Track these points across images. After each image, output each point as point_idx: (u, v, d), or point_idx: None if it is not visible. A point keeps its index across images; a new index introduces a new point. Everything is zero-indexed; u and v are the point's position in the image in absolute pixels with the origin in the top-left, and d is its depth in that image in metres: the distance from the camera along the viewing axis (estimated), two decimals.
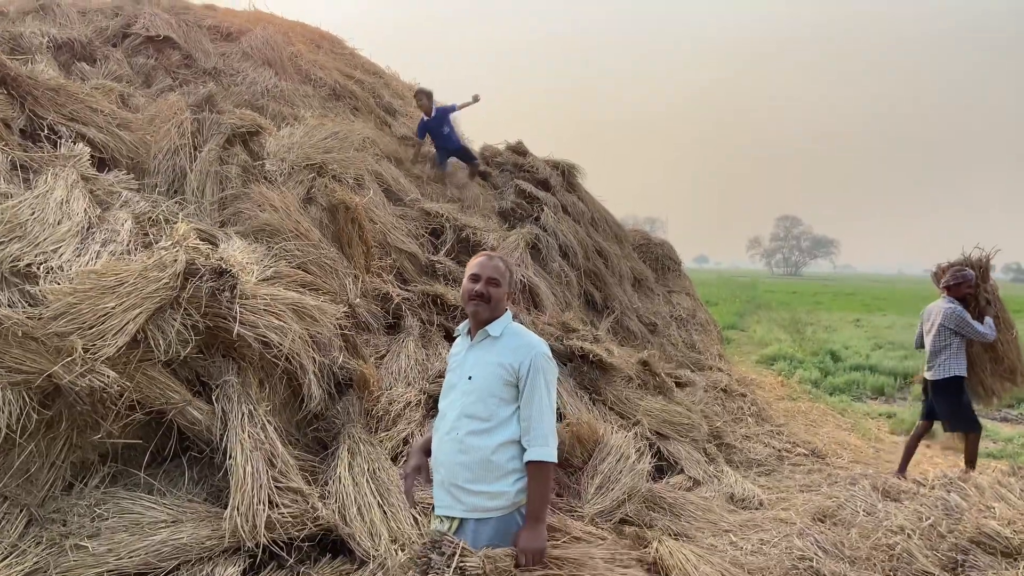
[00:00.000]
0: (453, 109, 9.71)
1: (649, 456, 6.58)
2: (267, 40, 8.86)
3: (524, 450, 3.06)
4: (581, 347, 7.21)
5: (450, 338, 6.82)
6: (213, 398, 4.29)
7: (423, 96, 9.61)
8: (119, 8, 8.39)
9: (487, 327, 3.21)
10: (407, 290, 6.77)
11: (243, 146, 6.13)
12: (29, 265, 4.03)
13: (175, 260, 4.29)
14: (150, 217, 4.88)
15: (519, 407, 3.10)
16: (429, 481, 3.24)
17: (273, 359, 4.55)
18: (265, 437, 4.22)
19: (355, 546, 3.97)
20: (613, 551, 4.24)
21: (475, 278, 3.21)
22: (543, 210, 9.48)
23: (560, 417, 6.52)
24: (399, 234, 7.17)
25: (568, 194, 10.47)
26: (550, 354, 3.22)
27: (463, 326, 3.35)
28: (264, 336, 4.32)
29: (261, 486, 3.97)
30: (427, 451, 3.28)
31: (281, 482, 4.08)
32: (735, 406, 9.32)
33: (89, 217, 4.54)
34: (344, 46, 11.96)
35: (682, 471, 7.13)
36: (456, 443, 3.09)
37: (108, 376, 3.70)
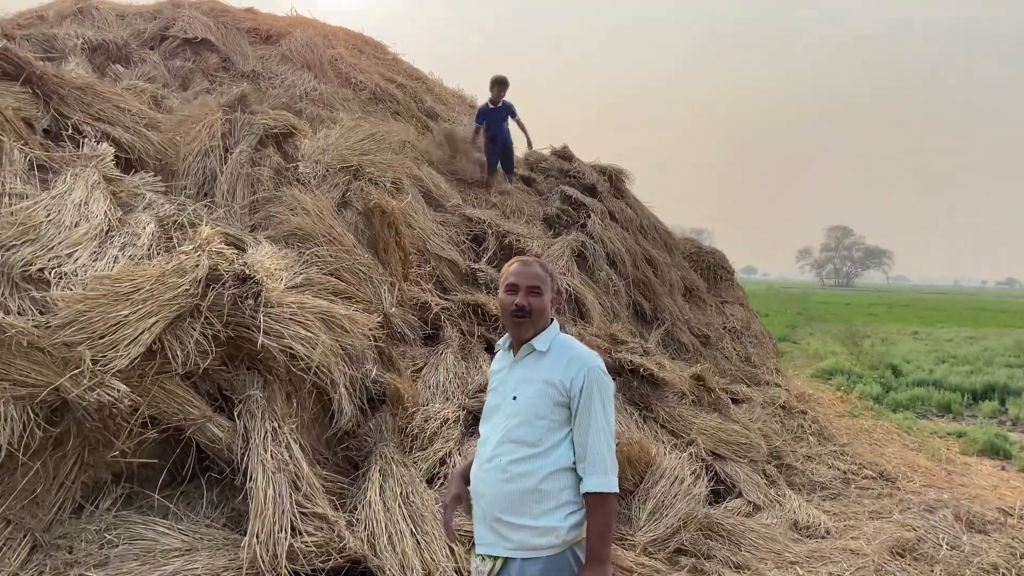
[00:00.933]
0: (515, 113, 9.50)
1: (705, 478, 6.12)
2: (307, 43, 8.65)
3: (579, 479, 2.68)
4: (631, 361, 6.77)
5: (492, 350, 6.45)
6: (235, 414, 3.97)
7: (498, 84, 9.38)
8: (158, 12, 8.26)
9: (532, 341, 2.83)
10: (447, 299, 6.42)
11: (276, 148, 5.85)
12: (41, 270, 3.77)
13: (196, 265, 4.00)
14: (175, 220, 4.60)
15: (572, 430, 2.72)
16: (470, 512, 2.86)
17: (301, 372, 4.23)
18: (290, 457, 3.89)
19: None
20: None
21: (513, 288, 2.83)
22: (589, 216, 9.07)
23: None
24: (439, 240, 6.83)
25: (616, 200, 10.04)
26: (605, 368, 2.83)
27: (504, 340, 2.97)
28: (290, 347, 4.00)
29: (283, 511, 3.63)
30: (467, 478, 2.90)
31: (306, 507, 3.74)
32: (795, 424, 8.76)
33: (109, 220, 4.28)
34: (386, 51, 11.73)
35: (741, 495, 6.64)
36: (499, 471, 2.71)
37: (119, 390, 3.41)
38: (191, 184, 5.39)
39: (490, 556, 2.70)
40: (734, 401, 7.95)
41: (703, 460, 6.45)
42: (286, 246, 5.11)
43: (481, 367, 5.78)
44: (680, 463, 5.91)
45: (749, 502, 6.52)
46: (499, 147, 9.39)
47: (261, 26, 8.89)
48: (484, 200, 8.65)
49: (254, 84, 7.75)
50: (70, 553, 3.39)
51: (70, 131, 4.87)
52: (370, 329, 4.50)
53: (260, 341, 3.90)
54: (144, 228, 4.33)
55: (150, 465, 3.89)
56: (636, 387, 6.80)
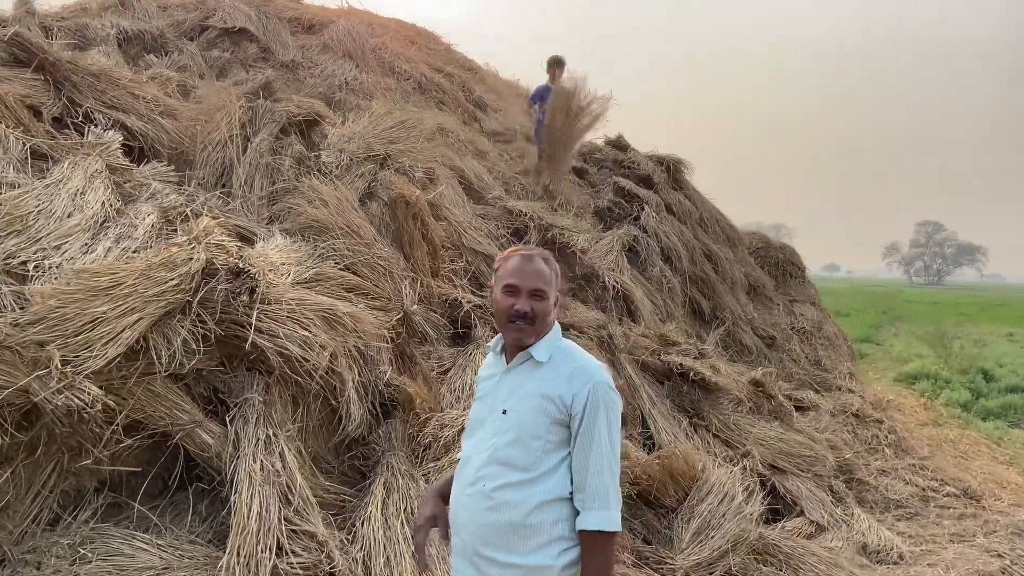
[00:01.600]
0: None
1: (761, 495, 5.56)
2: (349, 31, 8.40)
3: (575, 512, 2.29)
4: (680, 364, 6.25)
5: None
6: (228, 419, 3.68)
7: (554, 64, 8.97)
8: (200, 2, 8.14)
9: (531, 349, 2.41)
10: (481, 296, 6.03)
11: (300, 136, 5.58)
12: (24, 263, 3.54)
13: (190, 259, 3.72)
14: (181, 212, 4.34)
15: (571, 454, 2.33)
16: (447, 535, 2.46)
17: (306, 373, 3.91)
18: (283, 468, 3.56)
19: None
20: None
21: (512, 290, 2.42)
22: (643, 209, 8.54)
23: (653, 445, 5.60)
24: (476, 234, 6.45)
25: (674, 192, 9.48)
26: (612, 383, 2.39)
27: (495, 341, 2.56)
28: (285, 348, 3.68)
29: (269, 528, 3.31)
30: (446, 496, 2.51)
31: (296, 524, 3.40)
32: (869, 434, 8.05)
33: (107, 210, 4.04)
34: (439, 42, 11.45)
35: (802, 513, 6.05)
36: (482, 498, 2.31)
37: (90, 393, 3.13)
38: (208, 174, 5.16)
39: None
40: (799, 409, 7.32)
41: (759, 474, 5.89)
42: (301, 239, 4.81)
43: None
44: (731, 477, 5.37)
45: (811, 521, 5.93)
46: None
47: (303, 15, 8.70)
48: (532, 192, 8.23)
49: (292, 73, 7.52)
50: (38, 569, 3.13)
51: (80, 119, 4.69)
52: (384, 327, 4.14)
53: (250, 340, 3.58)
54: (144, 219, 4.08)
55: (136, 473, 3.63)
56: (686, 392, 6.28)
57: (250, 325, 3.64)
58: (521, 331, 2.38)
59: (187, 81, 6.03)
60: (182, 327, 3.55)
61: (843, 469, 6.97)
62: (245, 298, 3.68)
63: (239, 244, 4.15)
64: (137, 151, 4.90)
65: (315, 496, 3.81)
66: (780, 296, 10.81)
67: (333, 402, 4.20)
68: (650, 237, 8.29)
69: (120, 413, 3.42)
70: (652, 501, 4.98)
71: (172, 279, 3.61)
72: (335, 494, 3.91)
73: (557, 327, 2.52)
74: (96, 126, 4.65)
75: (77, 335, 3.24)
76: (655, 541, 4.84)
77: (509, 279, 2.43)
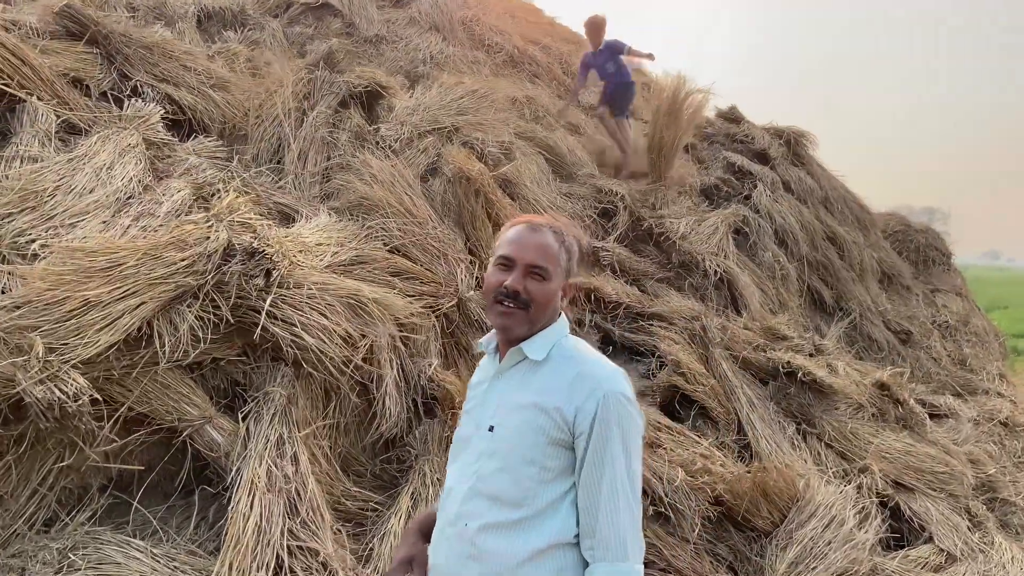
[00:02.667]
0: (624, 49, 7.94)
1: (879, 518, 4.73)
2: (436, 4, 7.98)
3: (583, 562, 1.78)
4: (788, 362, 5.44)
5: (608, 342, 5.43)
6: (242, 415, 3.32)
7: (591, 28, 7.97)
8: None
9: (522, 345, 1.87)
10: None
11: (361, 109, 5.19)
12: (33, 241, 3.30)
13: (206, 238, 3.38)
14: (218, 189, 4.04)
15: (576, 485, 1.79)
16: None
17: (336, 365, 3.50)
18: (294, 473, 3.16)
19: None
20: None
21: (505, 263, 1.88)
22: (755, 187, 7.67)
23: (750, 456, 4.87)
24: (557, 215, 5.87)
25: (793, 168, 8.51)
26: (631, 394, 1.82)
27: (488, 338, 2.03)
28: (300, 337, 3.27)
29: (269, 542, 2.91)
30: (428, 532, 2.01)
31: (300, 538, 2.99)
32: (1020, 446, 6.89)
33: (134, 186, 3.77)
34: (542, 16, 10.88)
35: (931, 539, 5.14)
36: (463, 542, 1.80)
37: (74, 384, 2.83)
38: (264, 150, 4.86)
39: None
40: (934, 416, 6.31)
41: (879, 493, 5.04)
42: (350, 218, 4.42)
43: None
44: (841, 498, 4.58)
45: (941, 550, 5.03)
46: (610, 93, 8.02)
47: None
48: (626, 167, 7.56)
49: (375, 48, 7.18)
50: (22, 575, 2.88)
51: (128, 92, 4.48)
52: (413, 314, 3.67)
53: (259, 328, 3.20)
54: (173, 196, 3.78)
55: (147, 472, 3.34)
56: (794, 395, 5.47)
57: (264, 311, 3.25)
58: (509, 315, 1.84)
59: (257, 56, 5.77)
60: (190, 312, 3.21)
61: (985, 487, 5.94)
62: (260, 281, 3.31)
63: (268, 223, 3.80)
64: (186, 125, 4.66)
65: (337, 504, 3.41)
66: (919, 285, 9.59)
67: (371, 396, 3.79)
68: (762, 218, 7.42)
69: (123, 406, 3.15)
70: (741, 522, 4.29)
71: (184, 260, 3.28)
72: (363, 501, 3.48)
73: (563, 322, 1.95)
74: (135, 98, 4.42)
75: (67, 320, 2.95)
76: (743, 571, 4.15)
77: (504, 249, 1.89)
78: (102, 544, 3.01)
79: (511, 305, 1.83)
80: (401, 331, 3.82)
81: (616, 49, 7.98)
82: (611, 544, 1.71)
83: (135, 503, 3.18)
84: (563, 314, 1.95)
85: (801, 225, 7.70)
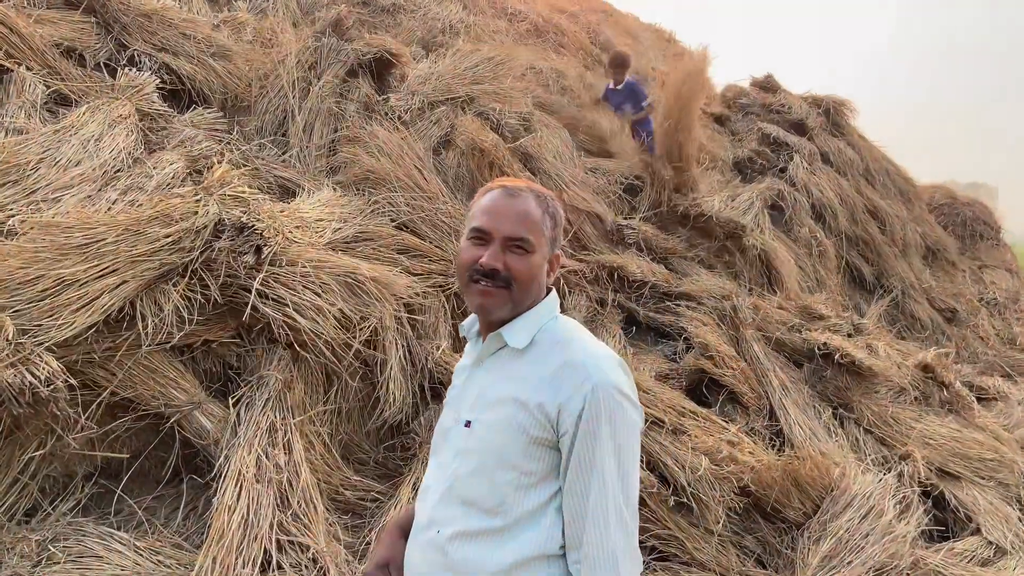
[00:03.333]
0: (640, 98, 7.00)
1: (921, 509, 4.42)
2: None
3: None
4: (824, 343, 5.12)
5: (632, 322, 5.15)
6: (231, 399, 3.13)
7: (614, 65, 7.13)
8: None
9: (502, 330, 1.63)
10: (583, 259, 5.20)
11: (372, 79, 4.95)
12: (12, 216, 3.14)
13: (194, 213, 3.18)
14: (215, 162, 3.84)
15: (561, 490, 1.55)
16: None
17: (336, 348, 3.31)
18: (286, 462, 2.97)
19: None
20: None
21: (480, 237, 1.64)
22: (792, 159, 7.29)
23: (783, 442, 4.58)
24: (580, 190, 5.60)
25: (832, 138, 8.09)
26: (627, 386, 1.56)
27: (470, 322, 1.79)
28: (292, 318, 3.07)
29: (256, 536, 2.73)
30: (407, 532, 1.79)
31: (291, 532, 2.80)
32: None
33: (123, 159, 3.59)
34: None
35: (977, 531, 4.82)
36: (436, 550, 1.58)
37: (48, 368, 2.66)
38: (268, 122, 4.66)
39: None
40: (982, 399, 5.94)
41: (921, 482, 4.72)
42: (356, 192, 4.20)
43: (607, 344, 4.52)
44: (880, 487, 4.28)
45: (989, 543, 4.71)
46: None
47: None
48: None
49: (392, 18, 6.93)
50: None
51: (124, 62, 4.30)
52: (410, 293, 3.45)
53: (248, 308, 3.00)
54: (165, 169, 3.60)
55: (136, 459, 3.18)
56: (830, 377, 5.15)
57: (254, 290, 3.05)
58: (488, 296, 1.59)
59: (265, 26, 5.56)
60: (175, 291, 3.02)
61: None
62: (250, 259, 3.10)
63: (264, 197, 3.59)
64: (186, 97, 4.47)
65: (335, 493, 3.22)
66: (966, 261, 9.13)
67: (375, 380, 3.59)
68: (798, 191, 7.05)
69: (105, 391, 2.98)
70: (771, 513, 4.02)
71: (169, 236, 3.09)
72: (363, 491, 3.29)
73: (552, 299, 1.70)
74: (130, 68, 4.24)
75: (40, 300, 2.77)
76: (772, 565, 3.89)
77: (477, 220, 1.64)
78: (84, 536, 2.86)
79: (489, 285, 1.58)
80: (407, 311, 3.60)
81: (636, 95, 7.13)
82: (599, 560, 1.47)
83: (121, 492, 3.02)
84: (551, 291, 1.71)
85: (840, 198, 7.31)
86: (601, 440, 1.49)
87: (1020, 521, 4.95)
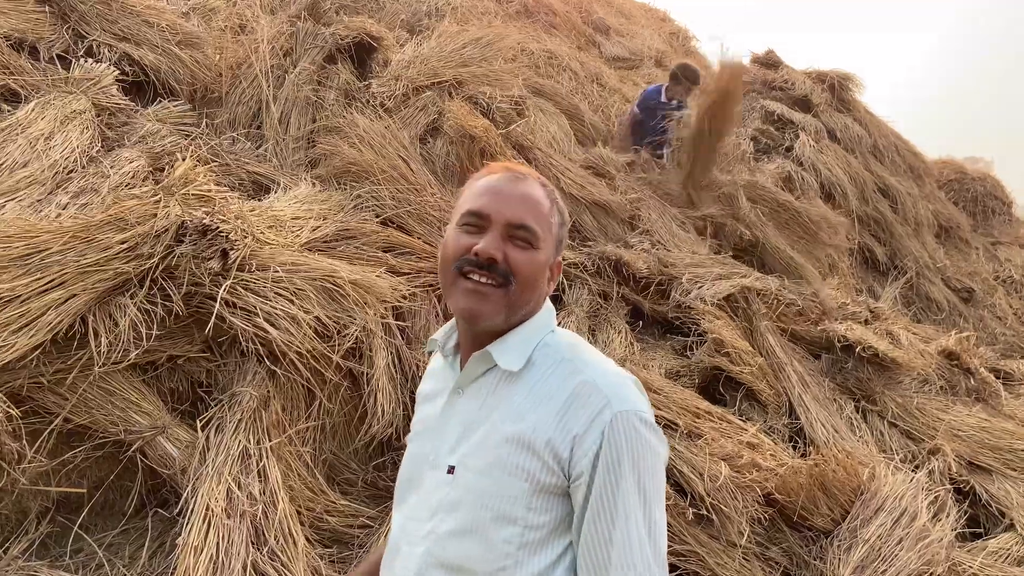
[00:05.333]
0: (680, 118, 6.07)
1: (955, 510, 4.12)
2: None
3: None
4: (843, 335, 4.81)
5: (638, 315, 4.83)
6: (199, 423, 2.82)
7: (676, 78, 6.24)
8: None
9: (490, 348, 1.32)
10: (584, 251, 4.88)
11: (353, 64, 4.61)
12: None
13: (154, 215, 2.86)
14: (181, 159, 3.50)
15: (572, 546, 1.27)
16: None
17: (318, 361, 2.99)
18: (261, 491, 2.66)
19: None
20: None
21: (476, 223, 1.34)
22: (797, 137, 6.96)
23: (804, 441, 4.27)
24: (578, 177, 5.27)
25: (838, 115, 7.76)
26: (648, 412, 1.26)
27: (443, 333, 1.46)
28: (263, 329, 2.75)
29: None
30: None
31: (266, 572, 2.49)
32: None
33: (78, 158, 3.26)
34: None
35: (1012, 527, 4.53)
36: None
37: None
38: (242, 113, 4.32)
39: None
40: (1006, 383, 5.63)
41: (951, 478, 4.43)
42: (337, 187, 3.87)
43: (611, 343, 4.21)
44: (911, 488, 3.98)
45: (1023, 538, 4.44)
46: (647, 137, 6.40)
47: None
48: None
49: (375, 2, 6.57)
50: None
51: (81, 53, 3.96)
52: (400, 295, 3.13)
53: (212, 320, 2.68)
54: (123, 168, 3.26)
55: (101, 492, 2.86)
56: (851, 369, 4.85)
57: (219, 299, 2.73)
58: (480, 296, 1.28)
59: (237, 11, 5.20)
60: (133, 303, 2.70)
61: None
62: (215, 264, 2.78)
63: (233, 195, 3.26)
64: (151, 89, 4.13)
65: (318, 521, 2.91)
66: (979, 238, 8.81)
67: (360, 392, 3.28)
68: (806, 171, 6.73)
69: (57, 418, 2.66)
70: (797, 521, 3.72)
71: (123, 242, 2.77)
72: (350, 517, 2.97)
73: (548, 313, 1.39)
74: (99, 61, 3.90)
75: None
76: None
77: (473, 203, 1.35)
78: None
79: (484, 280, 1.26)
80: (394, 315, 3.28)
81: (676, 114, 6.22)
82: None
83: (80, 531, 2.70)
84: (547, 301, 1.39)
85: (849, 177, 6.99)
86: (625, 483, 1.19)
87: None
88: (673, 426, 3.70)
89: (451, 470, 1.28)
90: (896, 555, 3.62)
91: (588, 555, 1.21)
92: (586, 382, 1.24)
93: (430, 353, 1.49)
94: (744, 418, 4.19)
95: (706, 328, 4.33)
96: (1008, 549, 4.33)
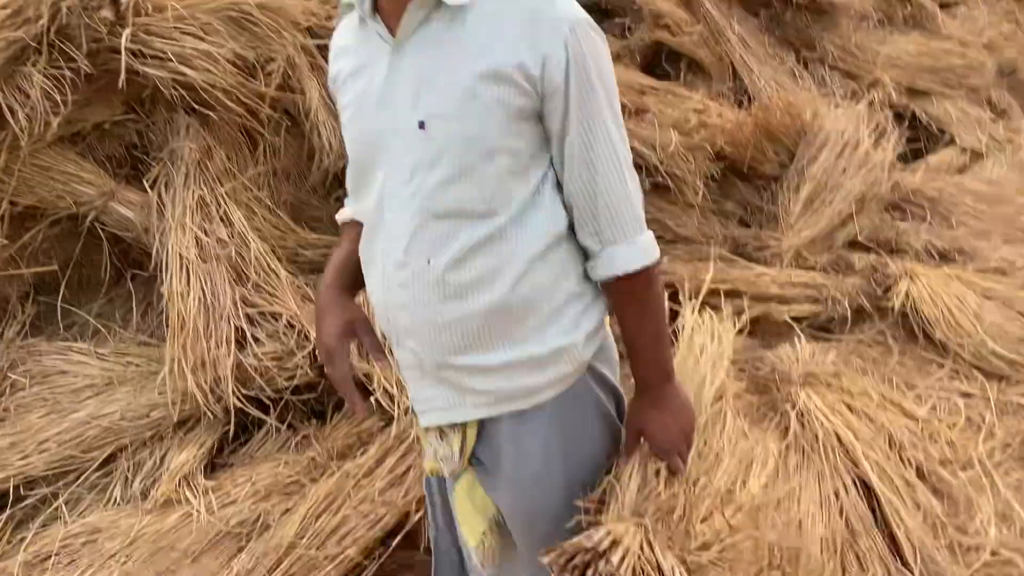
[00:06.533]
0: None
1: (896, 133, 4.30)
2: None
3: (581, 252, 1.36)
4: None
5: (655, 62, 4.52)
6: (146, 182, 2.79)
7: None
8: None
9: None
10: None
11: None
12: None
13: None
14: None
15: (553, 162, 1.32)
16: (378, 348, 1.52)
17: (245, 98, 2.90)
18: (229, 234, 2.71)
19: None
20: None
21: None
22: None
23: (749, 99, 4.31)
24: None
25: None
26: (591, 20, 1.28)
27: None
28: (181, 74, 2.62)
29: (222, 316, 2.54)
30: (349, 287, 1.54)
31: (257, 304, 2.61)
32: None
33: None
34: None
35: (952, 142, 4.79)
36: (430, 288, 1.30)
37: None
38: None
39: (451, 426, 1.40)
40: (943, 6, 5.60)
41: (892, 106, 4.57)
42: None
43: None
44: (854, 118, 4.11)
45: (964, 150, 4.70)
46: None
47: None
48: None
49: None
50: None
51: None
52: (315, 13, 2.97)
53: (123, 72, 2.54)
54: None
55: (75, 270, 2.90)
56: (789, 21, 4.78)
57: (123, 49, 2.57)
58: None
59: None
60: (36, 71, 2.55)
61: (1004, 70, 5.47)
62: (107, 13, 2.58)
63: None
64: None
65: (294, 256, 3.00)
66: None
67: (302, 128, 3.22)
68: None
69: (1, 202, 2.63)
70: (748, 173, 3.88)
71: (6, 6, 2.55)
72: (323, 248, 3.06)
73: None
74: None
75: None
76: (755, 222, 3.83)
77: None
78: (40, 356, 2.66)
79: None
80: (314, 39, 3.13)
81: None
82: (617, 219, 1.29)
83: (66, 305, 2.78)
84: None
85: None
86: (595, 91, 1.24)
87: (992, 122, 4.89)
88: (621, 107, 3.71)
89: (422, 125, 1.25)
90: (841, 184, 3.84)
91: (573, 164, 1.28)
92: (532, 4, 1.22)
93: (343, 12, 1.41)
94: (690, 88, 4.20)
95: (642, 2, 4.19)
96: (948, 161, 4.60)
